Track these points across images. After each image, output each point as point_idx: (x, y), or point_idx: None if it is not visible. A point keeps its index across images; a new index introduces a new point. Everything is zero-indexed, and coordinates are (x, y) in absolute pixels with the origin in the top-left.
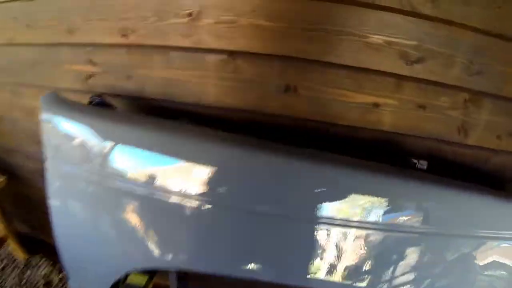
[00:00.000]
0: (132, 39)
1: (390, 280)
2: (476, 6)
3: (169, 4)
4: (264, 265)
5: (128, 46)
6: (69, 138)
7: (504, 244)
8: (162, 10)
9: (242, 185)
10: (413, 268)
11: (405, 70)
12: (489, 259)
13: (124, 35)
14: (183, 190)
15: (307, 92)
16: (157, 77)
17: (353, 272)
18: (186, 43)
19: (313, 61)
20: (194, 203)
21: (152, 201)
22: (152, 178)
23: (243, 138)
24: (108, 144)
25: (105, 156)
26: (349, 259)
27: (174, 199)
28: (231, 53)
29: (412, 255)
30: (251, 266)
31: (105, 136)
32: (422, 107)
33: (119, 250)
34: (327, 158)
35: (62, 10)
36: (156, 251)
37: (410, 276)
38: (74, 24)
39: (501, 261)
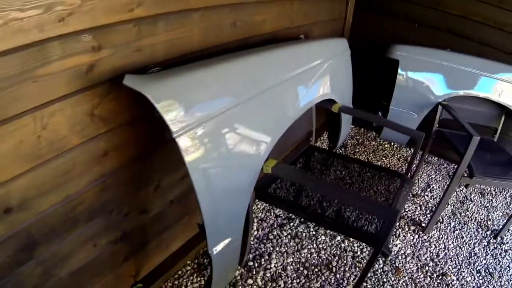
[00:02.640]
0: (138, 12)
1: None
2: None
3: None
4: None
5: (136, 20)
6: None
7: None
8: None
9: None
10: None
11: None
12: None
13: (130, 10)
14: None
15: (241, 23)
16: (162, 42)
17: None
18: (179, 7)
19: (245, 3)
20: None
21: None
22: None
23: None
24: None
25: None
26: None
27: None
28: (206, 9)
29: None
30: None
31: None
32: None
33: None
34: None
35: None
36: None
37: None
38: (66, 10)
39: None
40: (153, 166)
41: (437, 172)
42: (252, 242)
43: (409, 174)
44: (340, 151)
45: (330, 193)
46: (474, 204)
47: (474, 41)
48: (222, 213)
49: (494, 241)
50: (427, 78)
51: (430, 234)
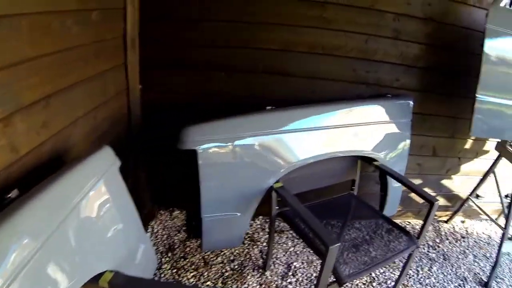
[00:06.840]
0: None
1: None
2: None
3: None
4: None
5: None
6: None
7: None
8: None
9: None
10: None
11: None
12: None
13: None
14: None
15: None
16: None
17: None
18: None
19: None
20: None
21: None
22: None
23: None
24: None
25: None
26: None
27: None
28: None
29: None
30: None
31: None
32: None
33: None
34: None
35: None
36: None
37: None
38: None
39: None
40: None
41: (295, 240)
42: None
43: None
44: None
45: None
46: None
47: (306, 77)
48: None
49: None
50: (242, 162)
51: None
